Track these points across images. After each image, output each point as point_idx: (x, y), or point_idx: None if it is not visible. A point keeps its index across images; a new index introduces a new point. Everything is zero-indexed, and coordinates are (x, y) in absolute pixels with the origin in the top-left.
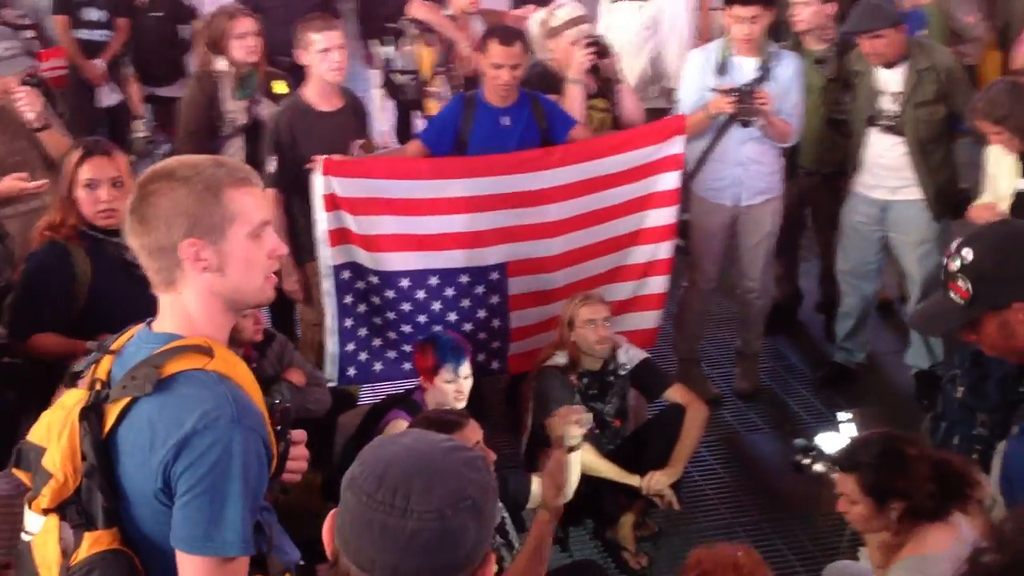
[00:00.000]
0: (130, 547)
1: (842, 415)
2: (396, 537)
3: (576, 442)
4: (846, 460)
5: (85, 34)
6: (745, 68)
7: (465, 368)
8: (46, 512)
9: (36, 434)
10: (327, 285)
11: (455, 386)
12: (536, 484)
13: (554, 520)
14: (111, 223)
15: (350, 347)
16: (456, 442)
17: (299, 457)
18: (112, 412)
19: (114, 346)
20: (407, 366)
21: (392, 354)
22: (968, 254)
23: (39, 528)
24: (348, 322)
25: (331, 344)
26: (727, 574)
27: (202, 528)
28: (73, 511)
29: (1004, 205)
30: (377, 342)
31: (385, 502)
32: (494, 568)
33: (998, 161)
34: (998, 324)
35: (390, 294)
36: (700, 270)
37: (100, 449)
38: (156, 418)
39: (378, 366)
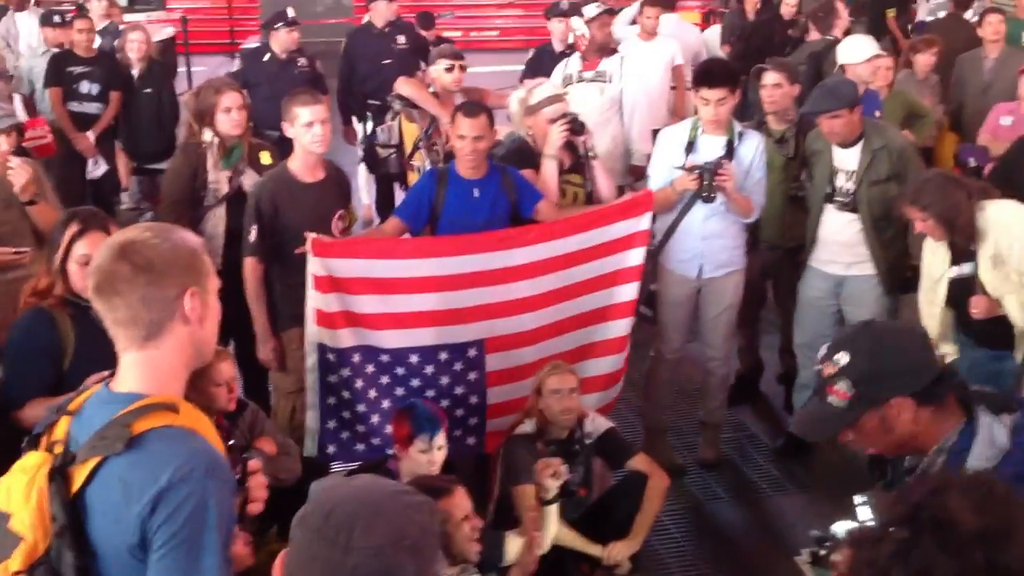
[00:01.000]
0: None
1: (858, 498)
2: (337, 572)
3: (552, 494)
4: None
5: (78, 107)
6: (712, 146)
7: (440, 439)
8: (15, 575)
9: None
10: (311, 361)
11: (428, 456)
12: (511, 542)
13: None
14: None
15: (331, 424)
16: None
17: (259, 486)
18: (80, 472)
19: (71, 407)
20: (391, 452)
21: (376, 440)
22: (843, 357)
23: None
24: (331, 400)
25: (311, 419)
26: None
27: None
28: (43, 571)
29: (940, 292)
30: (360, 428)
31: (329, 538)
32: None
33: (933, 249)
34: (879, 420)
35: (370, 369)
36: (666, 340)
37: (70, 509)
38: (129, 476)
39: (360, 447)
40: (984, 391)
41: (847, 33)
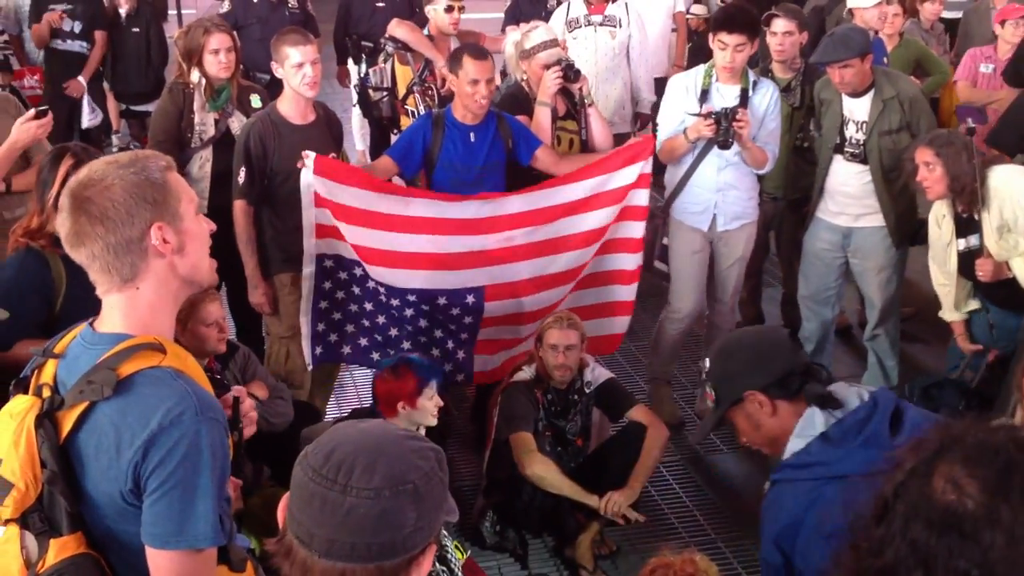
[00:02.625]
0: (96, 550)
1: None
2: (334, 512)
3: None
4: None
5: (61, 44)
6: (726, 95)
7: (440, 380)
8: (7, 522)
9: None
10: (308, 270)
11: (435, 400)
12: None
13: None
14: None
15: (321, 327)
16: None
17: (249, 410)
18: (69, 417)
19: (57, 349)
20: (375, 356)
21: (363, 341)
22: (706, 363)
23: None
24: (323, 304)
25: (304, 325)
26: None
27: (175, 523)
28: (36, 519)
29: (952, 261)
30: (350, 327)
31: (328, 477)
32: (431, 562)
33: (938, 220)
34: (744, 417)
35: (371, 284)
36: (678, 293)
37: (59, 455)
38: (119, 420)
39: (347, 349)
40: (827, 393)
41: None
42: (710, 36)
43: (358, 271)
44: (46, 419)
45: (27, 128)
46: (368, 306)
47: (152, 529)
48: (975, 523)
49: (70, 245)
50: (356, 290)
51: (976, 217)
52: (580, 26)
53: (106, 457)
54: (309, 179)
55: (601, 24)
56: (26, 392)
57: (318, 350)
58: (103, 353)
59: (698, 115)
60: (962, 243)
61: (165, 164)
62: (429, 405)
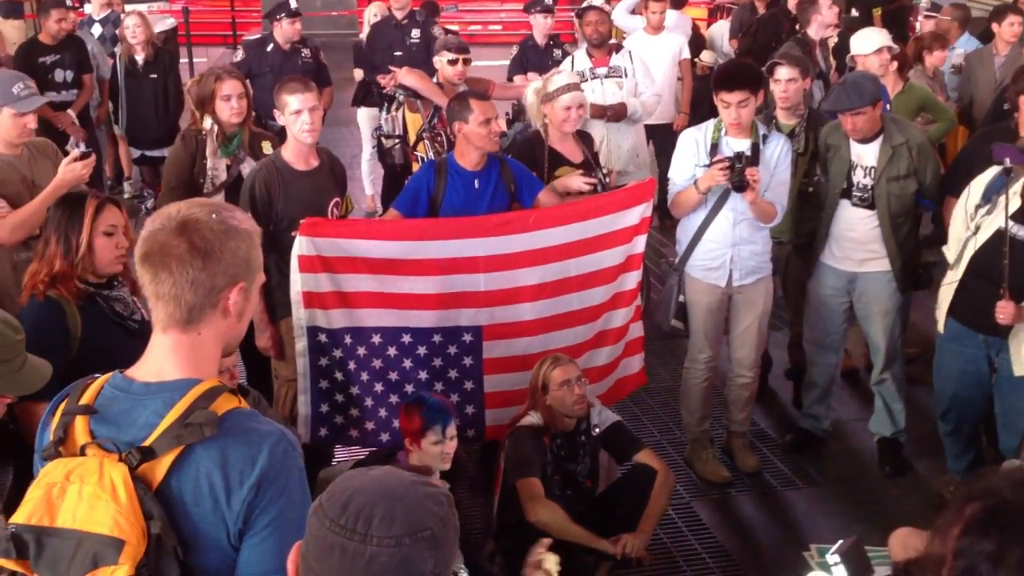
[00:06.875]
0: None
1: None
2: (355, 561)
3: None
4: None
5: (57, 97)
6: (736, 149)
7: (451, 429)
8: None
9: (33, 514)
10: (300, 345)
11: (441, 448)
12: None
13: None
14: (119, 270)
15: (324, 408)
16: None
17: None
18: (160, 466)
19: (84, 402)
20: (384, 437)
21: (370, 425)
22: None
23: None
24: (323, 383)
25: (302, 404)
26: None
27: (280, 558)
28: (144, 574)
29: (960, 268)
30: (354, 411)
31: (348, 527)
32: None
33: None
34: None
35: (362, 351)
36: (698, 343)
37: (162, 504)
38: (222, 461)
39: (354, 432)
40: None
41: (849, 30)
42: (714, 94)
43: (347, 339)
44: (136, 470)
45: (73, 168)
46: (364, 377)
47: (259, 567)
48: None
49: (150, 261)
50: (352, 365)
51: None
52: (587, 79)
53: (209, 501)
54: (295, 243)
55: (607, 76)
56: (62, 456)
57: (322, 431)
58: (173, 399)
59: (708, 165)
60: (1016, 229)
61: (259, 232)
62: (433, 451)
